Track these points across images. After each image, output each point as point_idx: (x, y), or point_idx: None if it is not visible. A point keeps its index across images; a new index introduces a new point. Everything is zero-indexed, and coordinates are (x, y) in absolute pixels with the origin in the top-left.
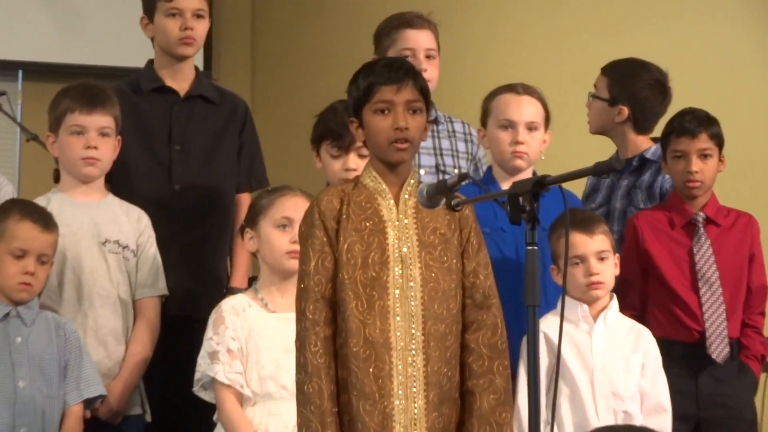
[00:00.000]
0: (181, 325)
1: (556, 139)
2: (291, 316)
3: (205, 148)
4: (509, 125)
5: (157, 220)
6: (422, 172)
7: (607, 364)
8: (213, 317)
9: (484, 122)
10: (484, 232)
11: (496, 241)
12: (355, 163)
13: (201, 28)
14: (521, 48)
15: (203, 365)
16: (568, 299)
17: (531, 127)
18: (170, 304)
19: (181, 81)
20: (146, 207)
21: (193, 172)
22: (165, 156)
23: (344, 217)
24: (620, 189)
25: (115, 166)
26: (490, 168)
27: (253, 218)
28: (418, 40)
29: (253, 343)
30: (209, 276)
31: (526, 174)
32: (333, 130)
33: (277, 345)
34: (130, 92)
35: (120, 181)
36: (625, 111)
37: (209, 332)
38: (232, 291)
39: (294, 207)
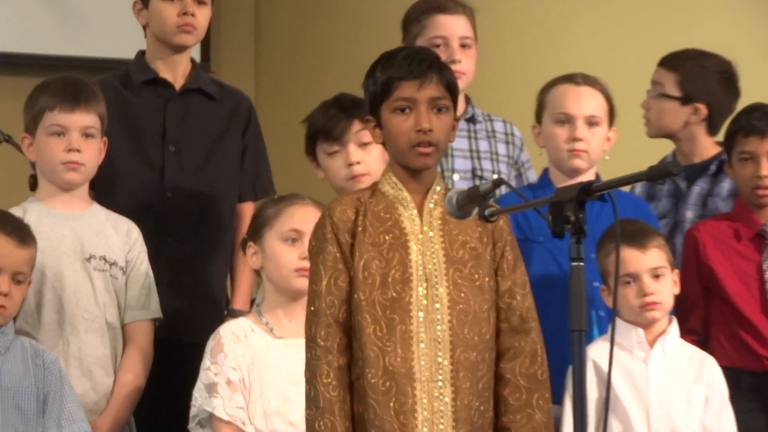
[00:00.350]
0: (173, 351)
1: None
2: (300, 343)
3: (203, 149)
4: (566, 120)
5: (146, 231)
6: (456, 177)
7: (665, 397)
8: (211, 344)
9: (539, 117)
10: (538, 242)
11: (552, 252)
12: (357, 155)
13: (202, 15)
14: (568, 36)
15: (200, 399)
16: (621, 323)
17: (591, 122)
18: (161, 327)
19: (176, 73)
20: (134, 216)
21: (188, 177)
22: (157, 158)
23: (360, 229)
24: (691, 196)
25: (99, 169)
26: (546, 170)
27: (257, 230)
28: (452, 26)
29: (257, 374)
30: (206, 296)
31: (588, 176)
32: (323, 125)
33: (284, 376)
34: (118, 85)
35: (104, 187)
36: (703, 110)
37: (206, 361)
38: (233, 314)
39: (304, 218)
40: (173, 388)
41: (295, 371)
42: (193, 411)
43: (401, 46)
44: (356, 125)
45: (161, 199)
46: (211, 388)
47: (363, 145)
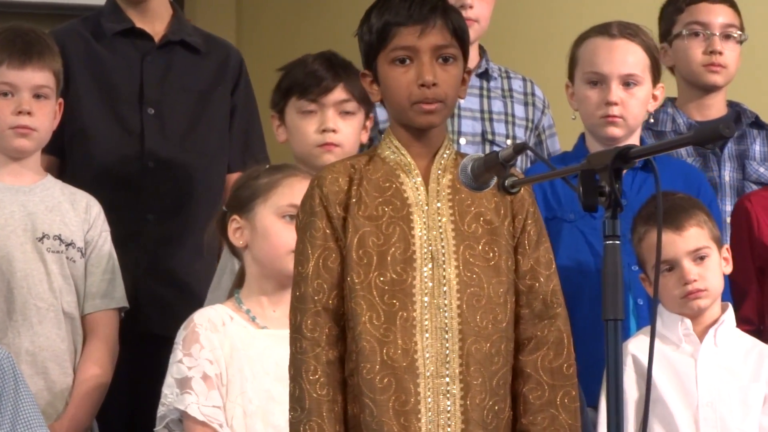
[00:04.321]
0: (148, 347)
1: None
2: (287, 334)
3: (187, 112)
4: (598, 80)
5: (124, 206)
6: (463, 141)
7: (717, 397)
8: (183, 333)
9: (571, 76)
10: (568, 220)
11: (583, 233)
12: (335, 123)
13: None
14: None
15: (170, 396)
16: (666, 312)
17: (629, 82)
18: (134, 319)
19: (154, 22)
20: (110, 190)
21: (171, 144)
22: (135, 122)
23: (354, 201)
24: (727, 154)
25: (69, 135)
26: (583, 136)
27: (244, 202)
28: None
29: (237, 369)
30: (190, 282)
31: (630, 142)
32: (304, 79)
33: (269, 371)
34: (88, 36)
35: (73, 157)
36: None
37: (178, 353)
38: None
39: None
40: (142, 387)
41: (281, 366)
42: (161, 411)
43: None
44: (341, 92)
45: (141, 170)
46: (184, 384)
47: (344, 114)
